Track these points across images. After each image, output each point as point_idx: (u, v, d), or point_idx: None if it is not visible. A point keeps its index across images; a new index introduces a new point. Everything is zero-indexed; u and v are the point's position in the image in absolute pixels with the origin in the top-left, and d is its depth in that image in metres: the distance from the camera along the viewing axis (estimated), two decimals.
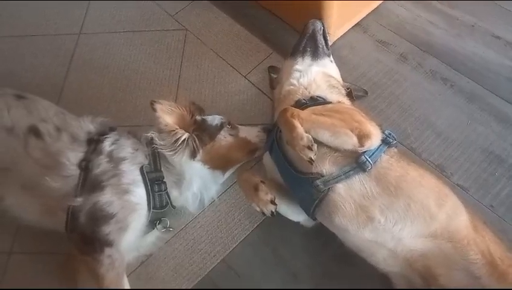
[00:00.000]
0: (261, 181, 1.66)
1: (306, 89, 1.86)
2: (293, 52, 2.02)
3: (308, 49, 1.97)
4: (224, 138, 1.83)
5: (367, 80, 2.30)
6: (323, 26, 1.99)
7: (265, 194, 1.62)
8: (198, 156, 1.75)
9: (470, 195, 1.89)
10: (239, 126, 1.91)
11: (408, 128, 2.11)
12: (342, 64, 2.30)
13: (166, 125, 1.69)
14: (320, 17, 2.27)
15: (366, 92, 2.20)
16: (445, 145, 2.05)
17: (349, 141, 1.53)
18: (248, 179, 1.71)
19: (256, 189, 1.63)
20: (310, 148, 1.48)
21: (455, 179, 1.95)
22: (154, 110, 1.67)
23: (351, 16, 2.50)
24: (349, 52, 2.42)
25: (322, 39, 1.99)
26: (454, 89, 2.24)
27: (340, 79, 2.03)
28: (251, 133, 1.91)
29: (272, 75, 2.22)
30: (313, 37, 1.98)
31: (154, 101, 1.68)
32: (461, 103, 2.18)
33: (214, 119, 1.84)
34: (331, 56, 2.05)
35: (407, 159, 1.62)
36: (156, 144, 1.72)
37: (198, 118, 1.80)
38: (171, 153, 1.72)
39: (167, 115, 1.70)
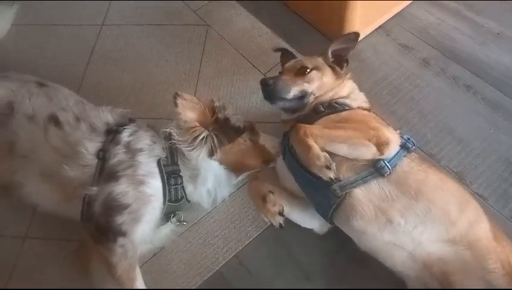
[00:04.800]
0: (270, 191, 1.64)
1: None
2: None
3: None
4: (244, 141, 1.81)
5: (388, 84, 2.27)
6: None
7: (273, 206, 1.61)
8: (216, 156, 1.75)
9: (489, 205, 1.85)
10: (260, 133, 1.88)
11: (428, 134, 2.08)
12: (363, 66, 2.29)
13: (185, 122, 1.69)
14: (342, 20, 2.27)
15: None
16: (466, 153, 2.01)
17: (369, 152, 1.50)
18: (256, 188, 1.70)
19: (264, 200, 1.63)
20: (328, 167, 1.46)
21: (474, 187, 1.91)
22: (176, 105, 1.66)
23: (374, 18, 2.47)
24: (371, 54, 2.39)
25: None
26: (477, 96, 2.20)
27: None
28: (270, 143, 1.87)
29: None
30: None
31: (178, 95, 1.67)
32: (484, 111, 2.14)
33: (238, 121, 1.81)
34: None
35: (428, 163, 1.59)
36: (173, 140, 1.72)
37: (220, 116, 1.78)
38: (188, 149, 1.72)
39: (188, 110, 1.69)
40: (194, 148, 1.71)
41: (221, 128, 1.76)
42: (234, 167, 1.83)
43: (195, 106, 1.72)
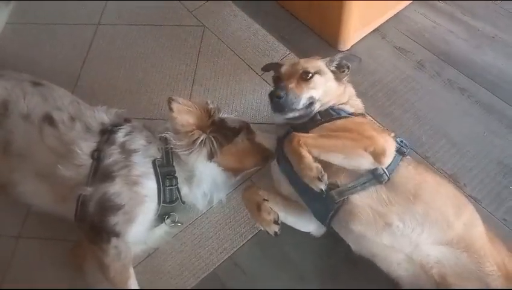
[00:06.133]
0: (264, 199, 1.63)
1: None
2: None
3: None
4: (241, 141, 1.81)
5: (383, 86, 2.28)
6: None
7: (268, 214, 1.59)
8: (215, 158, 1.74)
9: (482, 207, 1.86)
10: (256, 131, 1.88)
11: (423, 136, 2.09)
12: (358, 69, 2.28)
13: (183, 126, 1.69)
14: (338, 22, 2.27)
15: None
16: (460, 156, 2.02)
17: (366, 162, 1.50)
18: (251, 197, 1.68)
19: (259, 209, 1.61)
20: (320, 179, 1.43)
21: (468, 190, 1.92)
22: (171, 109, 1.66)
23: (370, 20, 2.48)
24: (366, 57, 2.39)
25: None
26: (471, 99, 2.21)
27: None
28: (267, 140, 1.87)
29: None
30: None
31: (172, 99, 1.66)
32: (478, 114, 2.16)
33: (234, 122, 1.81)
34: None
35: (424, 166, 1.60)
36: (171, 145, 1.71)
37: (216, 118, 1.78)
38: (186, 152, 1.71)
39: (184, 114, 1.69)
40: (192, 152, 1.71)
41: (218, 130, 1.76)
42: (233, 167, 1.82)
43: (190, 109, 1.71)
